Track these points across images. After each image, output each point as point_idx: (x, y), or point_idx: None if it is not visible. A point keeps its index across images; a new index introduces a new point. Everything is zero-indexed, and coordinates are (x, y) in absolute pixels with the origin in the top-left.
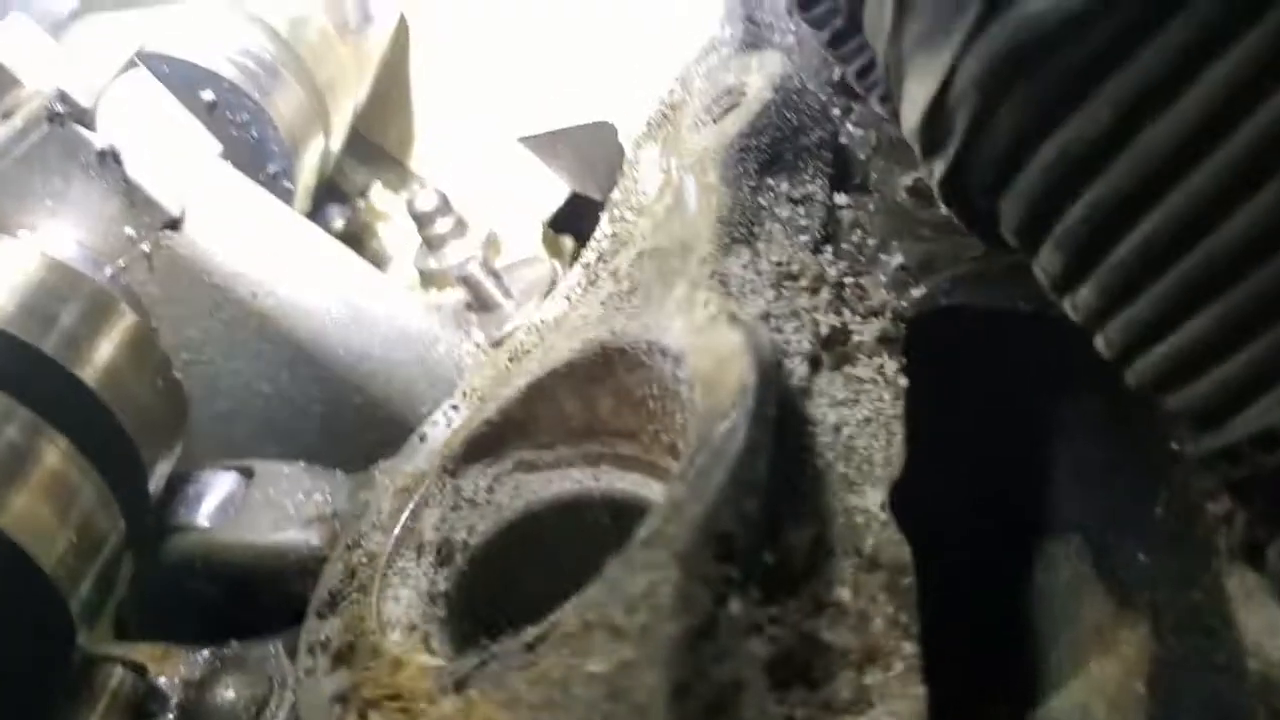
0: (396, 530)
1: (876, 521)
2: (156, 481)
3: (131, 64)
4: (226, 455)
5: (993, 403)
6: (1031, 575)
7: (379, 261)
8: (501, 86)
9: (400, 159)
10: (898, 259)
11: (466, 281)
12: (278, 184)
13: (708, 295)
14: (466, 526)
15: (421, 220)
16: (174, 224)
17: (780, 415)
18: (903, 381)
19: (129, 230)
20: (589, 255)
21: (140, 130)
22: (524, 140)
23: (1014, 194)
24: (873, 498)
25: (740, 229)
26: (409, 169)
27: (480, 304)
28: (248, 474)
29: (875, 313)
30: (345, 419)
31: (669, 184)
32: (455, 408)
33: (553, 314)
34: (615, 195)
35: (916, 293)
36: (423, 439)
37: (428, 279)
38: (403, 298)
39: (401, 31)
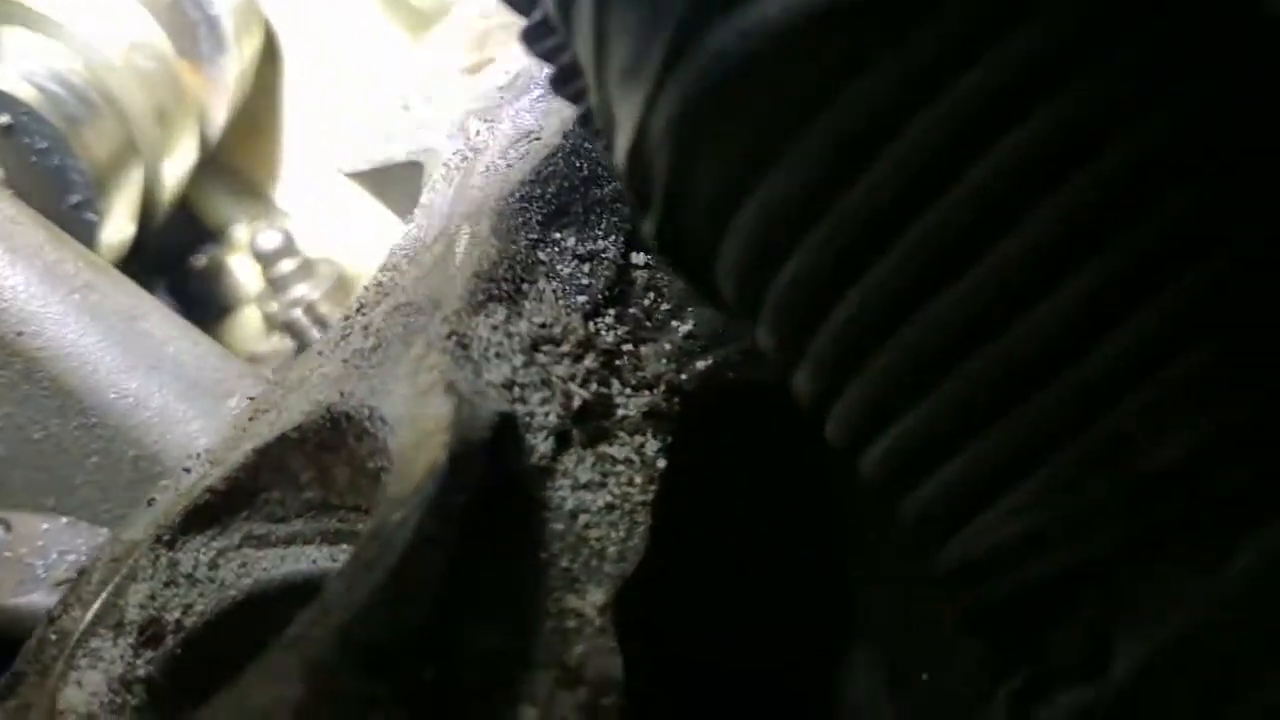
0: (96, 605)
1: (590, 626)
2: None
3: None
4: (3, 502)
5: (782, 490)
6: (822, 686)
7: (234, 301)
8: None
9: (264, 191)
10: (688, 326)
11: (290, 329)
12: (80, 215)
13: (436, 359)
14: (182, 605)
15: (264, 260)
16: None
17: (484, 503)
18: (661, 464)
19: None
20: (352, 305)
21: None
22: (351, 175)
23: (721, 260)
24: (593, 598)
25: (502, 285)
26: (273, 202)
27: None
28: (6, 526)
29: (648, 385)
30: (120, 472)
31: (444, 232)
32: (187, 470)
33: (301, 370)
34: (397, 240)
35: (701, 364)
36: (151, 504)
37: (271, 323)
38: (195, 343)
39: (270, 57)
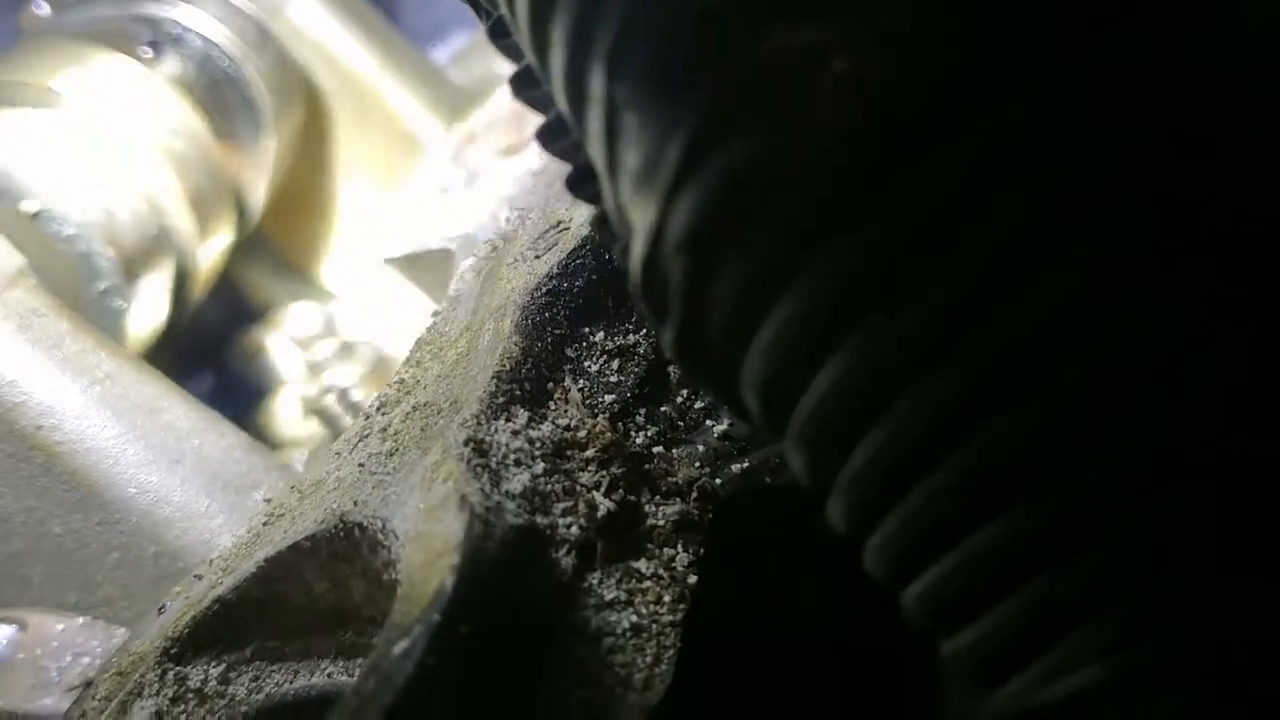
0: None
1: None
2: None
3: None
4: (25, 597)
5: (823, 606)
6: None
7: (272, 382)
8: (408, 197)
9: (306, 270)
10: (723, 425)
11: (322, 415)
12: (107, 302)
13: (451, 467)
14: None
15: (302, 342)
16: None
17: (496, 629)
18: (691, 579)
19: None
20: (373, 402)
21: None
22: (390, 261)
23: (744, 377)
24: None
25: (525, 386)
26: (314, 281)
27: None
28: (22, 626)
29: (679, 492)
30: (141, 568)
31: (469, 327)
32: (199, 577)
33: (318, 473)
34: (422, 334)
35: (737, 467)
36: (161, 611)
37: (308, 407)
38: (221, 435)
39: (316, 130)
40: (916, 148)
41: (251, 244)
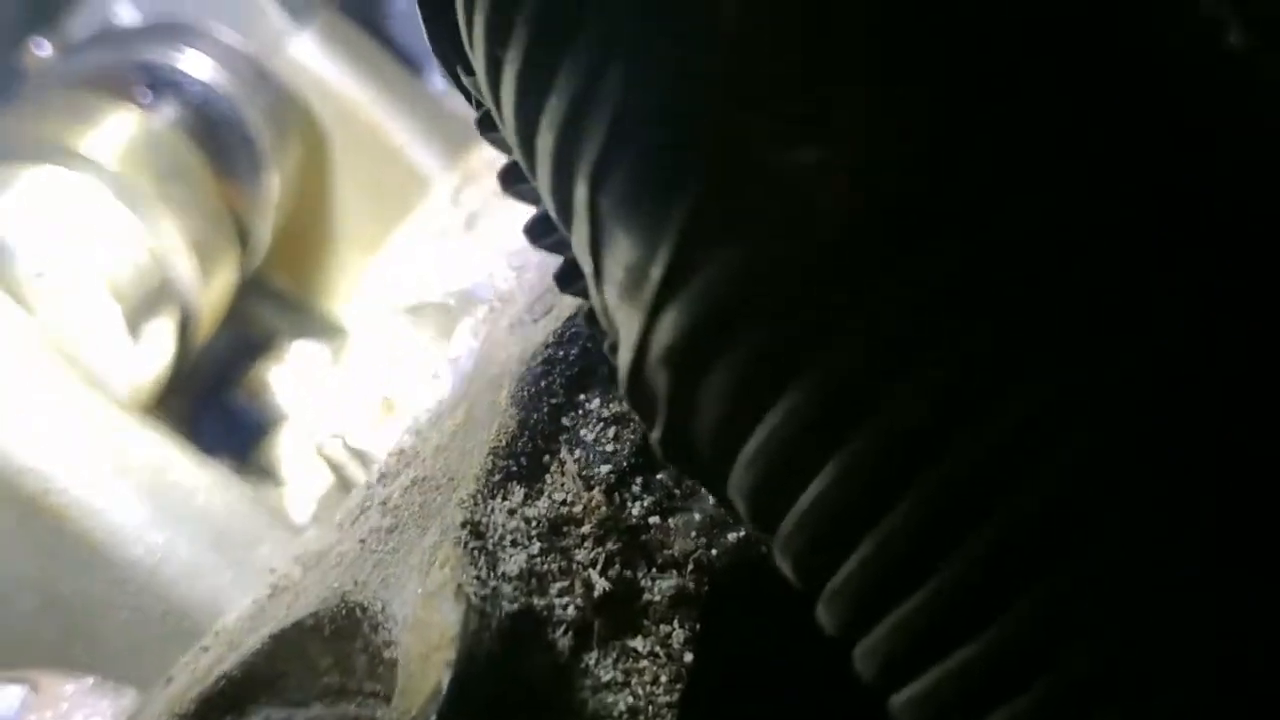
0: None
1: None
2: None
3: None
4: (35, 655)
5: (823, 678)
6: None
7: (280, 421)
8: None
9: (311, 306)
10: None
11: (328, 461)
12: (111, 357)
13: (449, 552)
14: None
15: (305, 380)
16: None
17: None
18: (688, 657)
19: None
20: (373, 471)
21: None
22: (390, 312)
23: (731, 484)
24: None
25: (521, 461)
26: (320, 317)
27: (345, 489)
28: (34, 688)
29: (675, 565)
30: (150, 627)
31: (465, 396)
32: (205, 649)
33: (321, 544)
34: (420, 400)
35: (733, 537)
36: (169, 682)
37: (311, 446)
38: (225, 490)
39: (318, 162)
40: (901, 262)
41: (255, 280)
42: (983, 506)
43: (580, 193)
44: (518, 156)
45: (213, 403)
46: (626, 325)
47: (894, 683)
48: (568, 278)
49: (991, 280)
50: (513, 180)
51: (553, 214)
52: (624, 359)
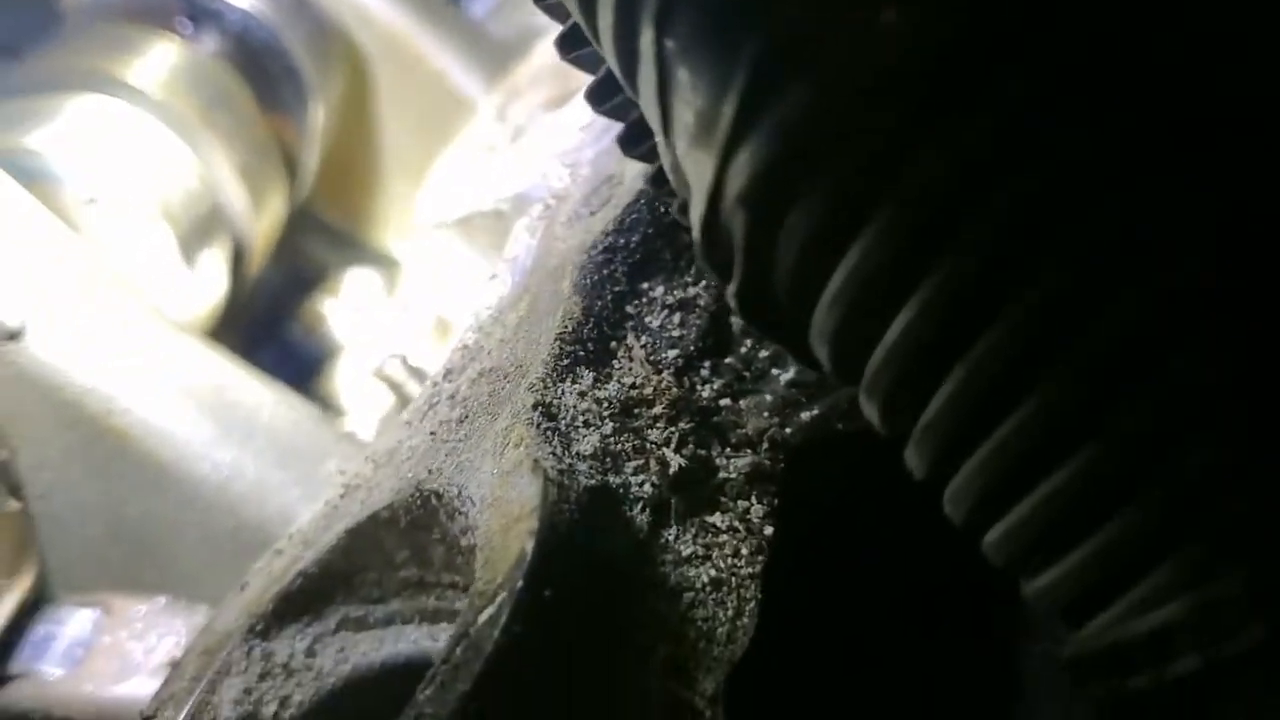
0: (189, 705)
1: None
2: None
3: None
4: (105, 580)
5: (908, 552)
6: None
7: (337, 351)
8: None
9: (360, 236)
10: (790, 374)
11: (386, 381)
12: (166, 282)
13: (522, 432)
14: (279, 698)
15: (360, 310)
16: (13, 336)
17: (577, 590)
18: (768, 530)
19: None
20: (438, 369)
21: None
22: (442, 225)
23: (814, 329)
24: (703, 687)
25: (588, 346)
26: (370, 247)
27: (404, 408)
28: (106, 610)
29: (749, 444)
30: (220, 545)
31: (527, 289)
32: (279, 552)
33: (390, 442)
34: (481, 298)
35: (806, 416)
36: (244, 588)
37: (370, 374)
38: (289, 408)
39: (361, 94)
40: (985, 77)
41: (305, 213)
42: (1078, 325)
43: (645, 37)
44: (576, 16)
45: (268, 337)
46: (698, 174)
47: (988, 518)
48: (633, 139)
49: (1074, 97)
50: (570, 46)
51: (616, 70)
52: (697, 211)
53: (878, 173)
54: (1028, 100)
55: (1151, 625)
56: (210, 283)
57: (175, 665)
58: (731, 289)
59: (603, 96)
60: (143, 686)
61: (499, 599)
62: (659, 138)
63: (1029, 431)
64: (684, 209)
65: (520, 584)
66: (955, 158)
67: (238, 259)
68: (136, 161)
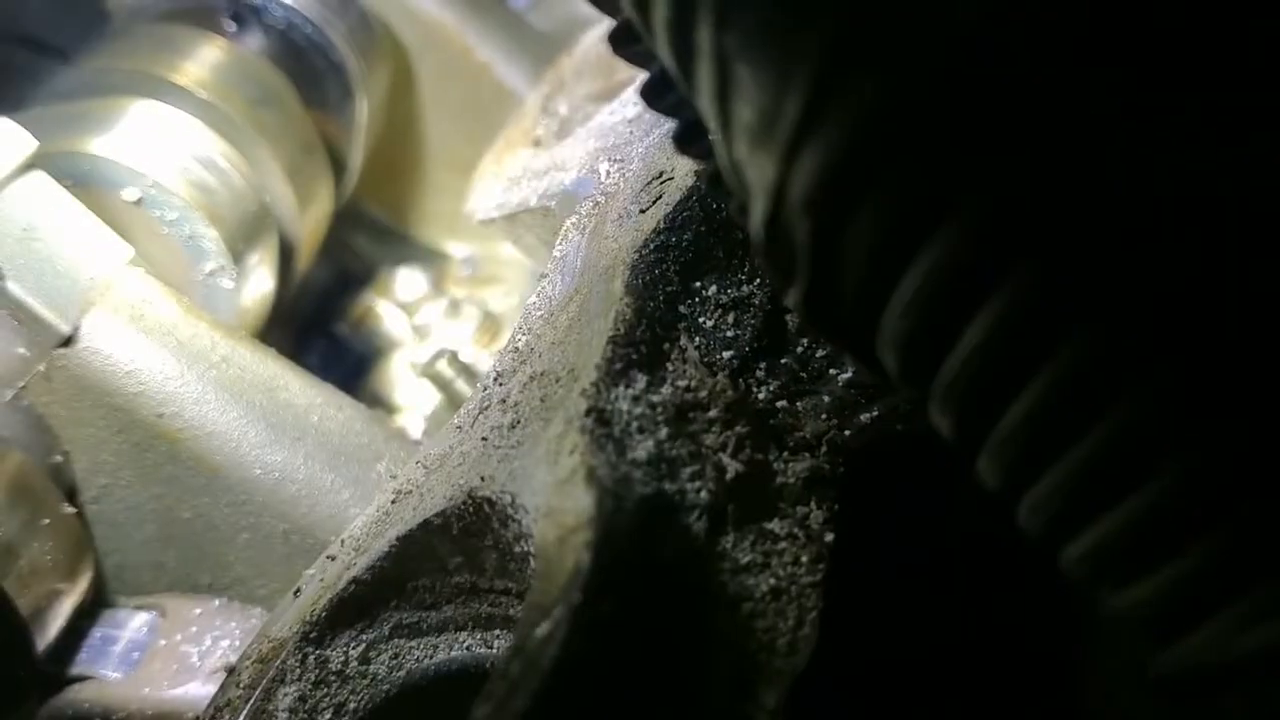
0: (245, 712)
1: None
2: (57, 623)
3: (28, 166)
4: (160, 582)
5: (965, 558)
6: None
7: (386, 348)
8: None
9: (408, 232)
10: (848, 374)
11: (435, 380)
12: (215, 282)
13: (576, 439)
14: (334, 705)
15: (407, 306)
16: (66, 341)
17: (637, 604)
18: (828, 537)
19: (22, 350)
20: (489, 373)
21: (34, 238)
22: (488, 222)
23: (882, 334)
24: (764, 700)
25: (641, 349)
26: (418, 243)
27: (454, 406)
28: (162, 613)
29: (808, 446)
30: (272, 547)
31: (578, 291)
32: (332, 558)
33: (441, 447)
34: (531, 298)
35: (866, 417)
36: (297, 594)
37: (420, 371)
38: (339, 409)
39: (405, 89)
40: (1075, 65)
41: (351, 210)
42: (1174, 335)
43: (704, 33)
44: (630, 12)
45: (317, 335)
46: (759, 175)
47: (1071, 529)
48: (688, 137)
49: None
50: (624, 41)
51: (671, 67)
52: (758, 214)
53: (955, 171)
54: (1124, 87)
55: (1262, 640)
56: (258, 282)
57: (230, 672)
58: (795, 294)
59: (658, 93)
60: (199, 689)
61: (555, 614)
62: (716, 136)
63: (1122, 441)
64: (742, 210)
65: (578, 597)
66: (1044, 154)
67: (285, 258)
68: (182, 162)
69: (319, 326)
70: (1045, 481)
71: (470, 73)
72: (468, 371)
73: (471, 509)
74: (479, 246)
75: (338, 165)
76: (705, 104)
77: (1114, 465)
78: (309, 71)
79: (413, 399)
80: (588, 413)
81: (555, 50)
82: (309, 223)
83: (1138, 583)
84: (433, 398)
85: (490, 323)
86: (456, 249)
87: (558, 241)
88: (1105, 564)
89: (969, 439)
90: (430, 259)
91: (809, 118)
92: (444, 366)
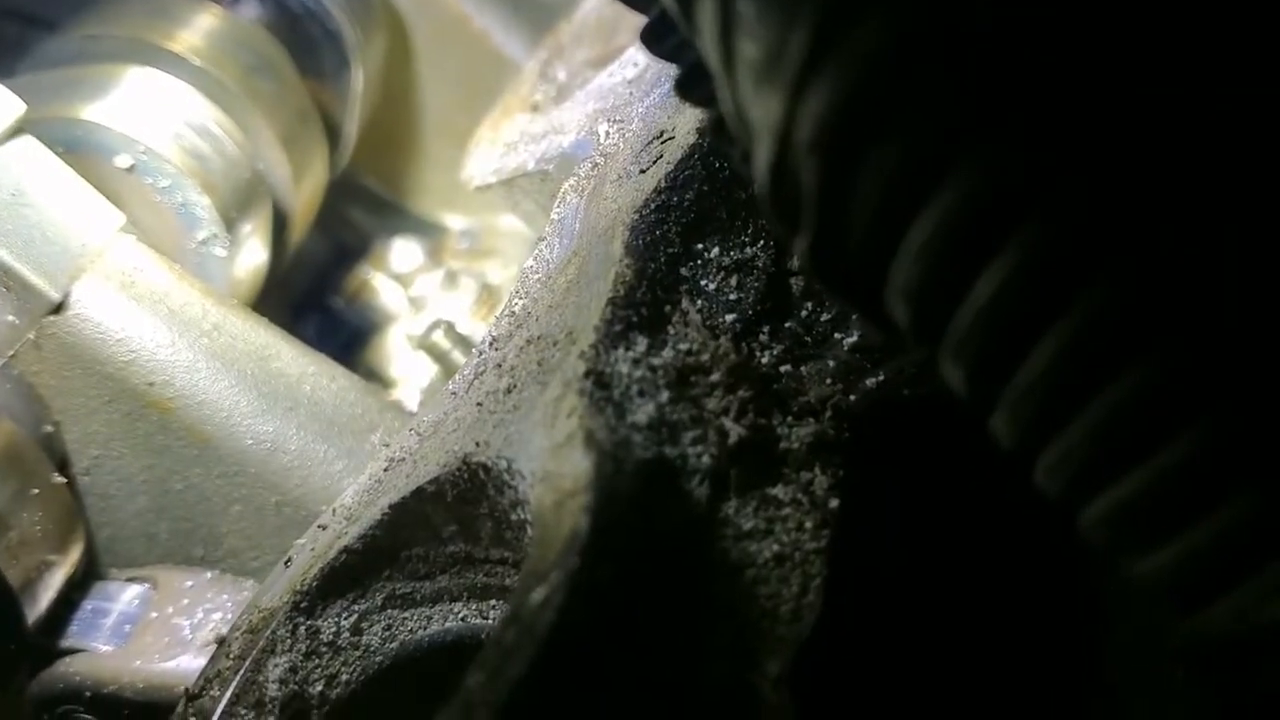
0: (235, 683)
1: (765, 704)
2: (48, 595)
3: (17, 130)
4: (152, 554)
5: (975, 520)
6: None
7: (382, 321)
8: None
9: (403, 203)
10: (854, 338)
11: (431, 351)
12: (209, 251)
13: (574, 402)
14: (325, 676)
15: (404, 279)
16: (56, 309)
17: (636, 569)
18: (833, 503)
19: (11, 318)
20: (485, 337)
21: (24, 203)
22: (485, 187)
23: (891, 284)
24: (768, 668)
25: (642, 311)
26: (413, 214)
27: (450, 377)
28: (153, 585)
29: (812, 411)
30: (264, 518)
31: (576, 253)
32: (323, 527)
33: (436, 413)
34: (528, 262)
35: (871, 382)
36: (288, 564)
37: (416, 343)
38: (332, 379)
39: (401, 58)
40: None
41: (347, 180)
42: (1211, 275)
43: None
44: None
45: (313, 309)
46: (765, 114)
47: (1091, 490)
48: (690, 82)
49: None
50: None
51: (672, 6)
52: (763, 158)
53: (973, 104)
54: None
55: None
56: (252, 252)
57: (221, 643)
58: (800, 243)
59: (658, 37)
60: (190, 662)
61: (552, 579)
62: (720, 78)
63: (1146, 394)
64: (746, 158)
65: (575, 562)
66: (1075, 81)
67: (279, 227)
68: (176, 129)
69: (314, 300)
70: (1063, 439)
71: (467, 41)
72: (464, 342)
73: (466, 475)
74: (477, 219)
75: (333, 135)
76: (708, 43)
77: (1138, 421)
78: (304, 39)
79: (409, 372)
80: (586, 375)
81: (553, 18)
82: (303, 192)
83: (1161, 548)
84: (429, 370)
85: (488, 294)
86: (454, 221)
87: (555, 204)
88: (1126, 528)
89: (983, 395)
90: (427, 230)
91: (815, 54)
92: (440, 337)
